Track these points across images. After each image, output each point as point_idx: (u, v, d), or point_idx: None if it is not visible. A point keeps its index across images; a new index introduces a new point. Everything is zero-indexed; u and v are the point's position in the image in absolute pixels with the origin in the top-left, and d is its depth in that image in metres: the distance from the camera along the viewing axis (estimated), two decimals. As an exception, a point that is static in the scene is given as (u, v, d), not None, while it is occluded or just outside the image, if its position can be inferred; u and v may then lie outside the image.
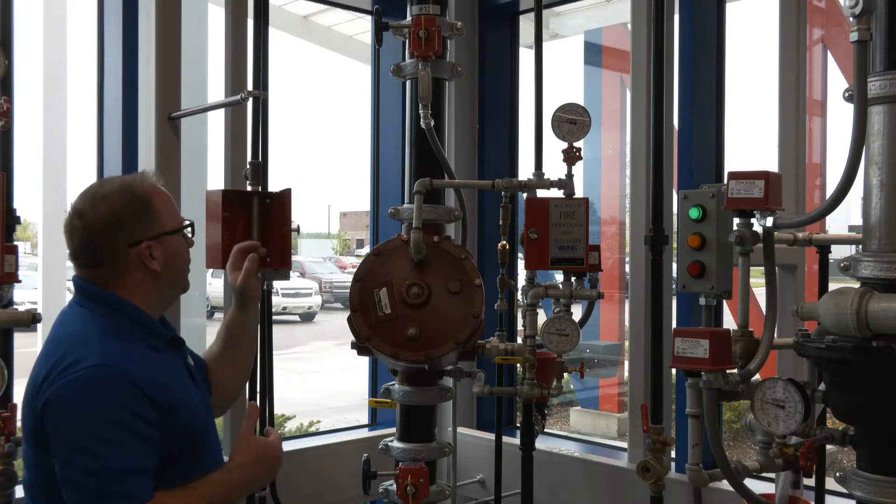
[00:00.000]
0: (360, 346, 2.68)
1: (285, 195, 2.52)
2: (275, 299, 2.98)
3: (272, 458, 1.91)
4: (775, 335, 2.01)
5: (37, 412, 1.73)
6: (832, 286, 1.95)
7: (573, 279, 2.61)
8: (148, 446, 1.71)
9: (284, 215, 2.51)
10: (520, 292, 2.76)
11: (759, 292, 2.50)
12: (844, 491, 1.89)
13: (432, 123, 2.72)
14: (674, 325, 3.13)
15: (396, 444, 2.85)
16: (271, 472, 1.94)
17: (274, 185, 2.75)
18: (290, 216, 2.51)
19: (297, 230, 2.62)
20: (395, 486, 2.60)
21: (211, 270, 3.09)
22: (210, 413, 2.02)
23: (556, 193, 2.69)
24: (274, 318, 2.94)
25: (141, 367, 1.76)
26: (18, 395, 2.36)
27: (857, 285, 1.77)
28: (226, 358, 2.21)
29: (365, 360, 3.21)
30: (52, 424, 1.71)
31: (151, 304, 1.91)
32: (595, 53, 7.16)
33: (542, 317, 2.68)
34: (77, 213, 1.86)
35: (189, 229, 2.00)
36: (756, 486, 2.23)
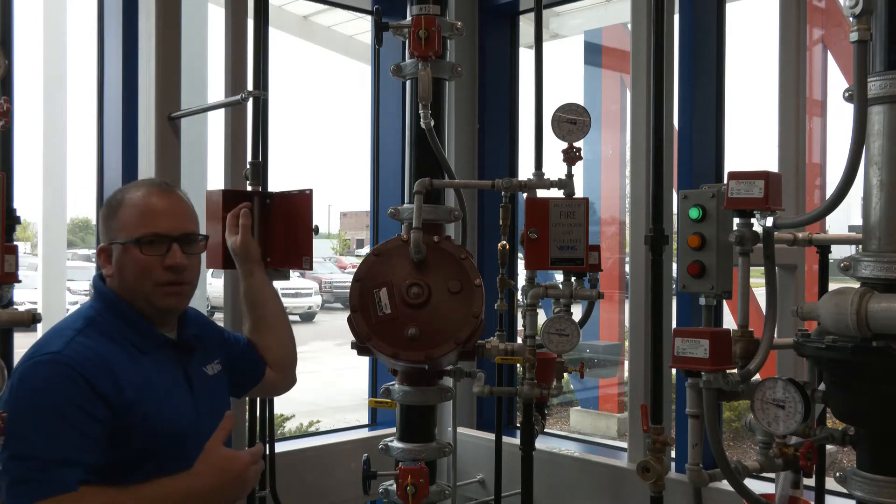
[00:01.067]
0: (360, 346, 2.68)
1: (307, 195, 2.55)
2: (275, 299, 2.98)
3: (235, 471, 1.82)
4: (775, 335, 2.01)
5: None
6: (832, 286, 1.95)
7: (573, 279, 2.61)
8: (86, 440, 1.71)
9: (307, 215, 2.55)
10: (520, 292, 2.76)
11: (759, 292, 2.50)
12: (844, 491, 1.88)
13: (432, 123, 2.72)
14: (674, 325, 3.13)
15: (396, 444, 2.85)
16: (233, 487, 1.83)
17: (274, 186, 2.75)
18: (311, 216, 2.56)
19: (317, 230, 2.64)
20: (395, 486, 2.60)
21: (211, 270, 3.09)
22: (205, 424, 1.92)
23: (556, 193, 2.69)
24: (274, 318, 2.94)
25: (101, 363, 1.77)
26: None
27: (857, 285, 1.77)
28: (258, 326, 2.32)
29: (365, 360, 3.21)
30: (2, 408, 1.75)
31: (139, 305, 1.92)
32: (595, 53, 7.17)
33: (542, 317, 2.68)
34: None
35: (148, 245, 1.90)
36: (756, 486, 2.24)
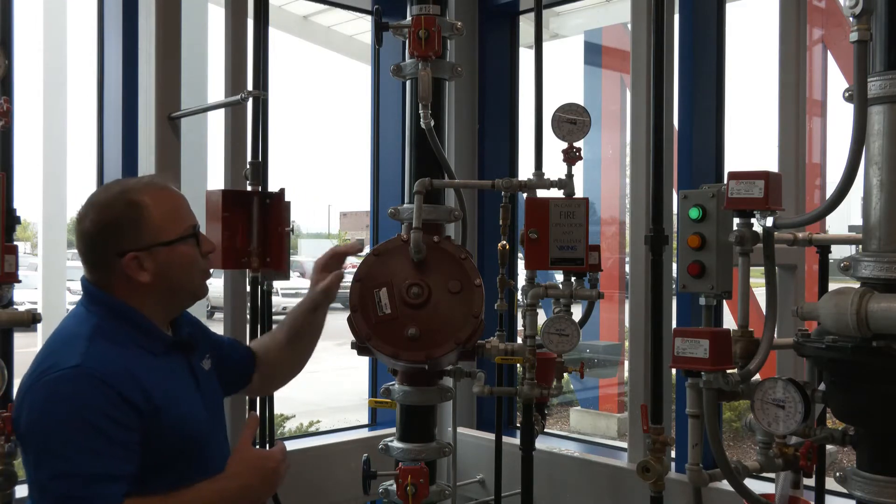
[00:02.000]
0: (360, 346, 2.68)
1: (279, 196, 2.54)
2: (275, 299, 2.98)
3: (270, 469, 1.85)
4: (775, 335, 2.01)
5: (18, 411, 1.75)
6: (832, 286, 1.95)
7: (573, 279, 2.61)
8: (122, 450, 1.69)
9: (280, 216, 2.53)
10: (520, 292, 2.76)
11: (759, 292, 2.50)
12: (844, 491, 1.89)
13: (432, 123, 2.72)
14: (674, 325, 3.13)
15: (396, 444, 2.85)
16: (269, 485, 1.85)
17: (274, 185, 2.75)
18: (285, 217, 2.53)
19: (291, 231, 2.63)
20: (395, 486, 2.60)
21: (211, 270, 3.09)
22: (216, 421, 1.98)
23: (556, 193, 2.68)
24: (274, 318, 2.94)
25: (123, 370, 1.74)
26: (18, 395, 2.36)
27: (857, 285, 1.77)
28: (286, 347, 2.26)
29: (365, 360, 3.21)
30: (24, 426, 1.71)
31: (152, 308, 1.88)
32: (595, 53, 7.17)
33: (542, 317, 2.68)
34: (79, 217, 1.86)
35: (193, 238, 1.90)
36: (756, 486, 2.24)
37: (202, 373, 2.00)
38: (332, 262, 2.27)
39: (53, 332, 1.87)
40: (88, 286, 1.89)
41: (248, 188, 2.70)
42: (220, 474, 1.80)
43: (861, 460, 1.83)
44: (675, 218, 2.38)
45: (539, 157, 2.97)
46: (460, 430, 3.68)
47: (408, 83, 2.86)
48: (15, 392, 2.42)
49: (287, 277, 2.84)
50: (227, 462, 1.83)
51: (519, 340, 2.83)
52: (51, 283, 4.54)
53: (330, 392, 11.04)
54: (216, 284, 3.49)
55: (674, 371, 2.79)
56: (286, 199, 2.77)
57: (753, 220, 1.96)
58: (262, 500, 1.88)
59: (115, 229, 1.82)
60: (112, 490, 1.65)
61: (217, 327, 2.42)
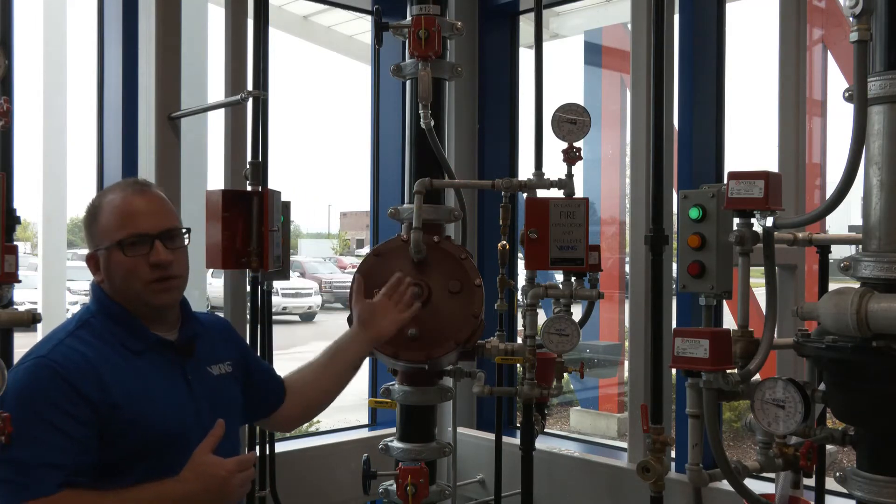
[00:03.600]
0: (360, 346, 2.68)
1: (264, 195, 2.54)
2: (275, 299, 2.98)
3: (219, 477, 1.78)
4: (775, 335, 2.01)
5: None
6: (832, 286, 1.95)
7: (573, 279, 2.61)
8: (67, 442, 1.72)
9: (264, 216, 2.54)
10: (520, 292, 2.76)
11: (759, 292, 2.50)
12: (844, 491, 1.88)
13: (432, 123, 2.72)
14: (674, 325, 3.13)
15: (396, 444, 2.85)
16: (216, 494, 1.79)
17: (274, 185, 2.75)
18: (271, 216, 2.53)
19: (278, 230, 2.63)
20: (395, 486, 2.60)
21: (211, 270, 3.09)
22: (198, 425, 1.90)
23: (556, 193, 2.69)
24: (274, 318, 2.94)
25: (84, 364, 1.78)
26: (18, 395, 2.35)
27: (857, 285, 1.77)
28: (326, 375, 2.31)
29: (365, 360, 3.21)
30: None
31: (134, 309, 1.92)
32: (595, 53, 7.16)
33: (542, 317, 2.68)
34: None
35: (130, 247, 1.88)
36: (756, 486, 2.23)
37: (201, 376, 1.99)
38: (398, 303, 2.40)
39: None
40: (93, 284, 1.98)
41: (248, 188, 2.70)
42: (170, 477, 1.78)
43: (861, 460, 1.83)
44: (675, 218, 2.38)
45: (539, 157, 2.97)
46: (460, 430, 3.68)
47: (408, 83, 2.86)
48: (15, 392, 2.43)
49: (287, 277, 2.84)
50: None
51: (519, 340, 2.83)
52: (51, 283, 4.54)
53: (330, 392, 11.02)
54: (216, 284, 3.50)
55: (674, 371, 2.79)
56: (283, 199, 2.77)
57: (753, 220, 1.96)
58: None
59: (85, 229, 2.00)
60: (47, 478, 1.68)
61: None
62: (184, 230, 2.00)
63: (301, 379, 2.30)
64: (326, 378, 2.31)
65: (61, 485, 1.69)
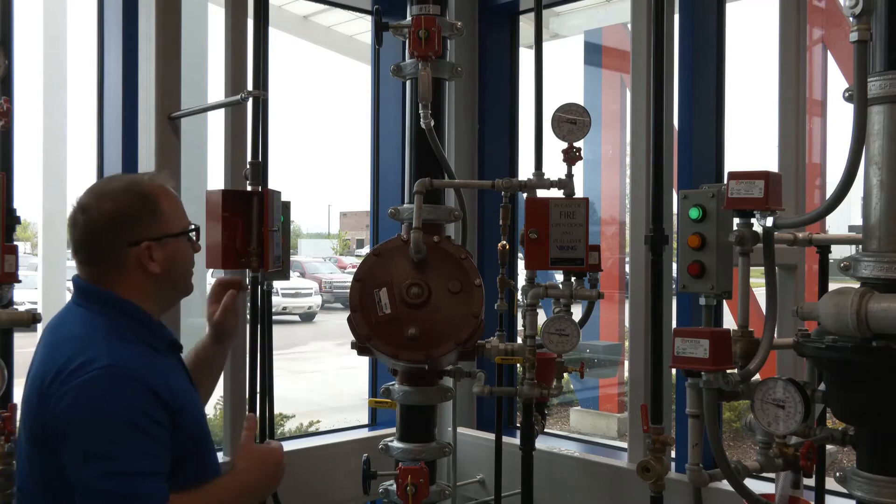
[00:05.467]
0: (360, 346, 2.68)
1: (264, 195, 2.54)
2: (275, 299, 2.98)
3: (275, 463, 1.92)
4: (775, 335, 2.01)
5: (46, 412, 1.71)
6: (832, 286, 1.95)
7: (573, 279, 2.61)
8: (161, 448, 1.71)
9: (264, 216, 2.54)
10: (520, 292, 2.76)
11: (759, 292, 2.50)
12: (844, 491, 1.88)
13: (432, 123, 2.72)
14: (674, 325, 3.13)
15: (396, 444, 2.85)
16: (275, 478, 1.93)
17: (274, 185, 2.75)
18: (271, 216, 2.53)
19: (278, 230, 2.63)
20: (395, 486, 2.60)
21: (211, 270, 3.09)
22: (206, 417, 2.01)
23: (556, 193, 2.69)
24: (274, 318, 2.94)
25: (149, 369, 1.75)
26: (18, 395, 2.35)
27: (857, 285, 1.77)
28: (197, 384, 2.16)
29: (365, 360, 3.21)
30: (66, 426, 1.68)
31: (152, 305, 1.89)
32: (595, 53, 7.16)
33: (542, 317, 2.68)
34: (81, 207, 1.85)
35: (194, 233, 1.97)
36: (756, 486, 2.23)
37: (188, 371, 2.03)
38: (217, 293, 2.26)
39: (58, 333, 1.84)
40: (85, 284, 1.87)
41: (248, 188, 2.70)
42: (234, 469, 1.86)
43: (861, 460, 1.83)
44: (675, 218, 2.38)
45: (539, 157, 2.97)
46: (460, 430, 3.68)
47: (408, 83, 2.86)
48: (15, 392, 2.43)
49: (287, 277, 2.84)
50: (234, 459, 1.89)
51: (519, 340, 2.83)
52: (51, 283, 4.54)
53: (330, 392, 11.05)
54: (216, 284, 3.50)
55: (674, 371, 2.79)
56: (283, 199, 2.77)
57: (753, 220, 1.97)
58: (270, 492, 1.96)
59: (129, 218, 1.84)
60: (159, 488, 1.67)
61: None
62: None
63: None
64: (204, 388, 2.24)
65: (168, 490, 1.68)
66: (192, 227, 1.97)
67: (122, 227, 1.83)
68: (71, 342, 1.78)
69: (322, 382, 11.83)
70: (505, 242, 2.87)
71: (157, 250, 1.85)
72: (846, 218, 2.86)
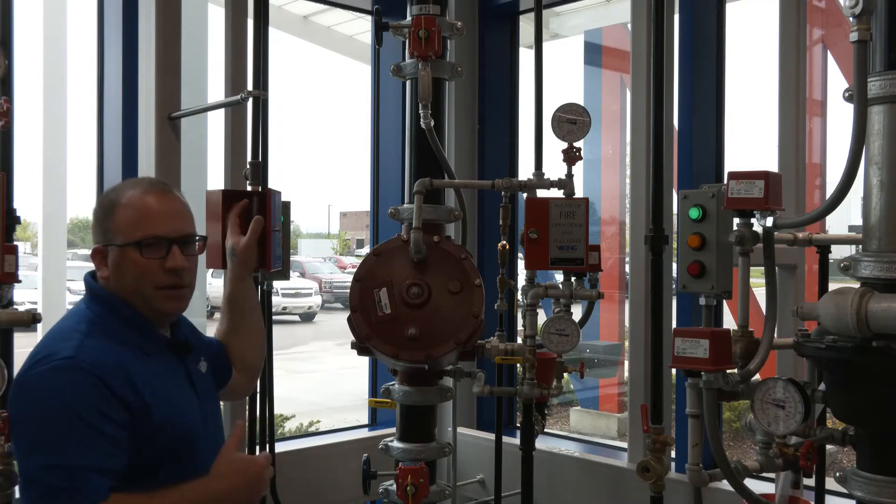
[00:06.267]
0: (360, 346, 2.68)
1: (266, 195, 2.54)
2: (275, 299, 2.98)
3: (254, 473, 1.84)
4: (775, 335, 2.01)
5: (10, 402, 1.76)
6: (832, 286, 1.95)
7: (573, 279, 2.61)
8: (110, 445, 1.69)
9: (266, 216, 2.53)
10: (520, 292, 2.76)
11: (759, 292, 2.50)
12: (844, 491, 1.89)
13: (432, 123, 2.72)
14: (674, 325, 3.13)
15: (396, 444, 2.85)
16: (252, 492, 1.85)
17: (274, 185, 2.75)
18: (272, 216, 2.52)
19: (278, 230, 2.62)
20: (395, 485, 2.60)
21: (211, 270, 3.09)
22: (210, 424, 1.97)
23: (556, 193, 2.69)
24: (274, 318, 2.94)
25: (116, 366, 1.74)
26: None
27: (857, 285, 1.77)
28: (237, 329, 2.23)
29: (365, 360, 3.21)
30: (14, 416, 1.73)
31: (141, 308, 1.88)
32: (595, 53, 7.16)
33: (542, 317, 2.68)
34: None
35: (148, 248, 1.85)
36: (756, 486, 2.23)
37: (198, 375, 2.00)
38: (238, 224, 2.28)
39: (52, 326, 1.87)
40: (90, 281, 1.92)
41: (248, 188, 2.70)
42: (203, 476, 1.79)
43: (861, 460, 1.83)
44: (675, 218, 2.38)
45: (539, 157, 2.97)
46: (460, 430, 3.69)
47: (408, 83, 2.86)
48: (14, 391, 2.43)
49: (287, 277, 2.84)
50: (213, 465, 1.82)
51: (519, 340, 2.83)
52: (51, 283, 4.53)
53: (330, 392, 11.05)
54: (216, 284, 3.50)
55: (674, 371, 2.79)
56: (283, 199, 2.76)
57: (753, 220, 1.96)
58: (245, 502, 1.87)
59: (97, 220, 1.92)
60: (100, 483, 1.65)
61: (215, 327, 2.41)
62: (199, 237, 1.98)
63: (231, 347, 2.24)
64: (248, 334, 2.26)
65: (111, 489, 1.66)
66: (149, 239, 1.86)
67: (94, 227, 1.94)
68: (52, 336, 1.82)
69: (322, 382, 11.83)
70: (505, 242, 2.87)
71: (108, 256, 1.88)
72: (846, 218, 2.86)
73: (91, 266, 1.94)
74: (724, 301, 2.29)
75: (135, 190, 1.92)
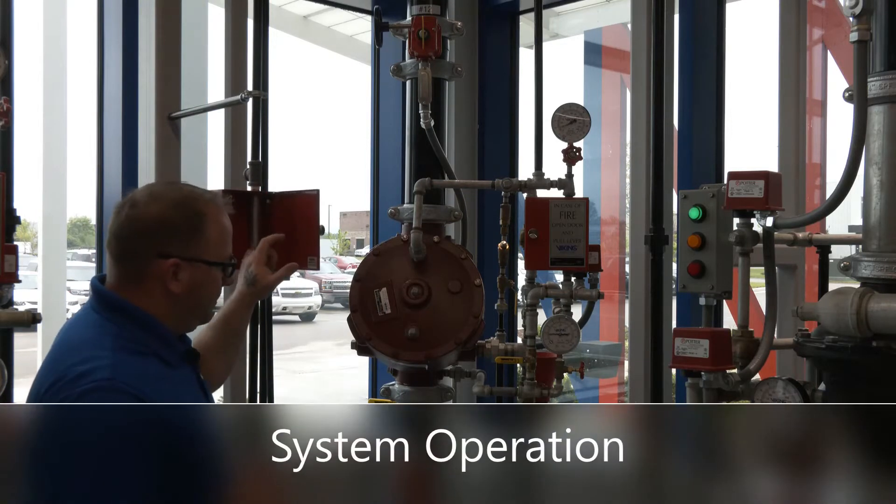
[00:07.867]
0: (360, 346, 2.68)
1: (314, 195, 2.53)
2: (275, 299, 2.98)
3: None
4: (775, 335, 2.01)
5: None
6: (832, 286, 1.95)
7: (573, 279, 2.61)
8: None
9: (313, 215, 2.52)
10: (520, 292, 2.76)
11: (759, 292, 2.50)
12: (844, 491, 1.88)
13: (432, 123, 2.72)
14: (674, 325, 3.13)
15: (396, 444, 2.84)
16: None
17: (274, 186, 2.75)
18: (318, 216, 2.52)
19: (322, 230, 2.61)
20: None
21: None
22: None
23: (556, 193, 2.68)
24: (274, 318, 2.94)
25: (150, 384, 1.68)
26: (18, 396, 2.36)
27: (857, 285, 1.77)
28: (224, 348, 2.13)
29: (365, 360, 3.21)
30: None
31: (170, 319, 1.81)
32: (595, 53, 7.16)
33: (542, 317, 2.67)
34: (131, 201, 1.78)
35: (230, 268, 1.85)
36: (756, 486, 2.23)
37: (205, 384, 2.00)
38: (265, 255, 2.18)
39: (66, 337, 1.79)
40: (103, 290, 1.80)
41: (248, 188, 2.70)
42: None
43: (861, 460, 1.83)
44: (675, 218, 2.38)
45: (539, 157, 2.97)
46: (460, 430, 3.68)
47: (408, 83, 2.86)
48: (15, 392, 2.43)
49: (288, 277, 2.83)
50: None
51: (519, 340, 2.83)
52: (51, 283, 4.54)
53: (330, 392, 11.05)
54: (216, 284, 3.50)
55: (674, 371, 2.79)
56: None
57: (753, 220, 1.97)
58: None
59: (169, 229, 1.76)
60: None
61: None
62: None
63: (209, 362, 2.12)
64: (234, 353, 2.20)
65: None
66: (231, 260, 1.85)
67: (158, 236, 1.76)
68: (75, 349, 1.72)
69: (322, 382, 11.83)
70: (505, 242, 2.87)
71: (185, 270, 1.77)
72: (846, 218, 2.86)
73: (91, 268, 1.89)
74: (724, 301, 2.29)
75: (211, 204, 1.83)
